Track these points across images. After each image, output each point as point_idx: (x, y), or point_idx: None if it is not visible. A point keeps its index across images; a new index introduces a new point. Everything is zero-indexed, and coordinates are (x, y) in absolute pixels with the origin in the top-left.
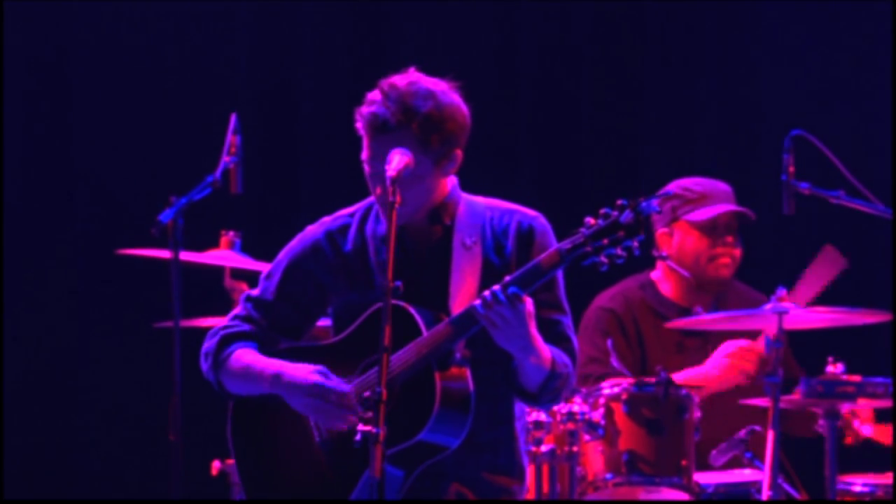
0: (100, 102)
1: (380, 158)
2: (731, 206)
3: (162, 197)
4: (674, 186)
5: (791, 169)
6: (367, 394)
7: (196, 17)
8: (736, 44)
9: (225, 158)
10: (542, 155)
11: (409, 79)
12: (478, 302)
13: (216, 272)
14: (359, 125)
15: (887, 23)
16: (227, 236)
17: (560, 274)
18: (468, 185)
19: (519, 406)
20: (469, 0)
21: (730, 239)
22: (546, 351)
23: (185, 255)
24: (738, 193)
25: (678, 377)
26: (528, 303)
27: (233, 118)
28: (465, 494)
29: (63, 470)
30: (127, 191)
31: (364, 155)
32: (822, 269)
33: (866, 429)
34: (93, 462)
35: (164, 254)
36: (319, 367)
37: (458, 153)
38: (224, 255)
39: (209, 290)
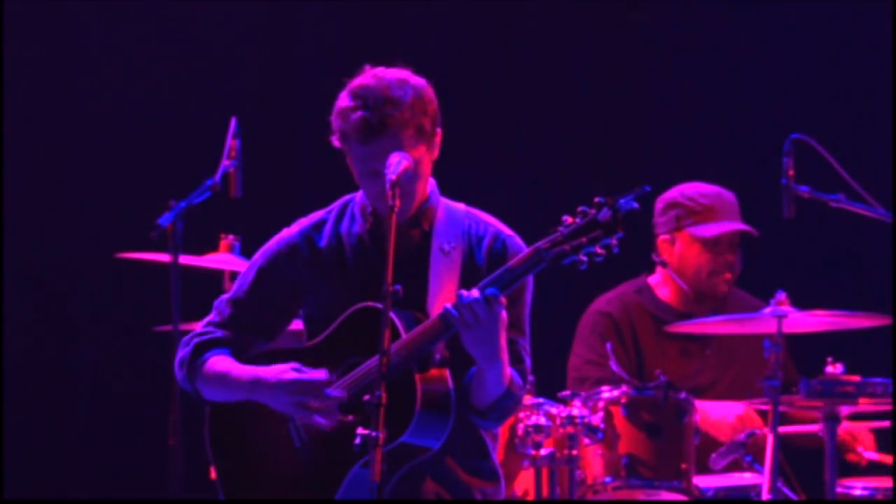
0: (99, 105)
1: (384, 157)
2: (737, 225)
3: (161, 201)
4: (678, 193)
5: (791, 172)
6: (366, 397)
7: (196, 20)
8: (735, 46)
9: (225, 162)
10: (540, 157)
11: (374, 75)
12: (449, 304)
13: (215, 276)
14: (341, 134)
15: (886, 24)
16: (227, 240)
17: (529, 294)
18: (462, 184)
19: None
20: (468, 0)
21: (730, 256)
22: (508, 368)
23: (185, 259)
24: (738, 197)
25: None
26: (503, 312)
27: (233, 122)
28: (442, 494)
29: (62, 472)
30: (126, 194)
31: (356, 159)
32: None
33: (869, 454)
34: (92, 465)
35: (164, 257)
36: (292, 364)
37: (440, 132)
38: (223, 259)
39: (208, 293)
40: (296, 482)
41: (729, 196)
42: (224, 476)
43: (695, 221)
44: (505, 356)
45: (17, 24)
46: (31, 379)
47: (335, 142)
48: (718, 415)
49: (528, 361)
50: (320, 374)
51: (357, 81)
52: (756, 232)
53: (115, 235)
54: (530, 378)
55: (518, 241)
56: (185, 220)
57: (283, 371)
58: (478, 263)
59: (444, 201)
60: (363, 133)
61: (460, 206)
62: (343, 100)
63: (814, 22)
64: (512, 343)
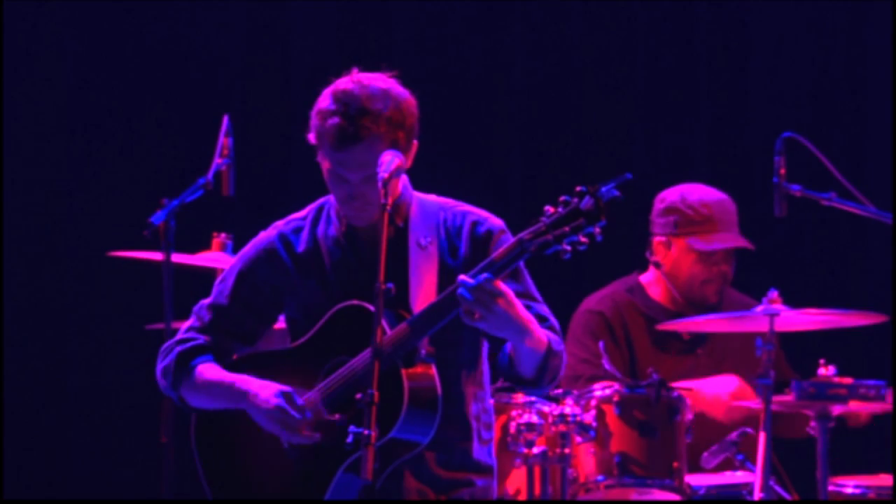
0: (92, 104)
1: (353, 167)
2: (734, 242)
3: (154, 199)
4: (678, 198)
5: (783, 171)
6: (358, 395)
7: (188, 18)
8: (728, 44)
9: (217, 160)
10: (531, 156)
11: (358, 82)
12: (462, 288)
13: (208, 274)
14: (317, 134)
15: (880, 23)
16: (219, 238)
17: (523, 265)
18: (446, 176)
19: (476, 406)
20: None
21: (724, 267)
22: (541, 332)
23: (177, 258)
24: (730, 195)
25: (678, 384)
26: (507, 288)
27: (225, 120)
28: (424, 492)
29: (55, 471)
30: (119, 192)
31: (328, 164)
32: None
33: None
34: (85, 463)
35: (156, 256)
36: (284, 389)
37: (416, 144)
38: (216, 257)
39: (201, 292)
40: (284, 484)
41: (729, 205)
42: (211, 479)
43: (692, 231)
44: (533, 325)
45: (12, 23)
46: (23, 377)
47: (310, 138)
48: (712, 392)
49: (553, 320)
50: (307, 412)
51: (341, 85)
52: (752, 246)
53: (108, 233)
54: None
55: (496, 221)
56: (177, 218)
57: (273, 394)
58: (459, 253)
59: (417, 195)
60: (337, 140)
61: (432, 198)
62: (324, 100)
63: (807, 20)
64: (527, 308)
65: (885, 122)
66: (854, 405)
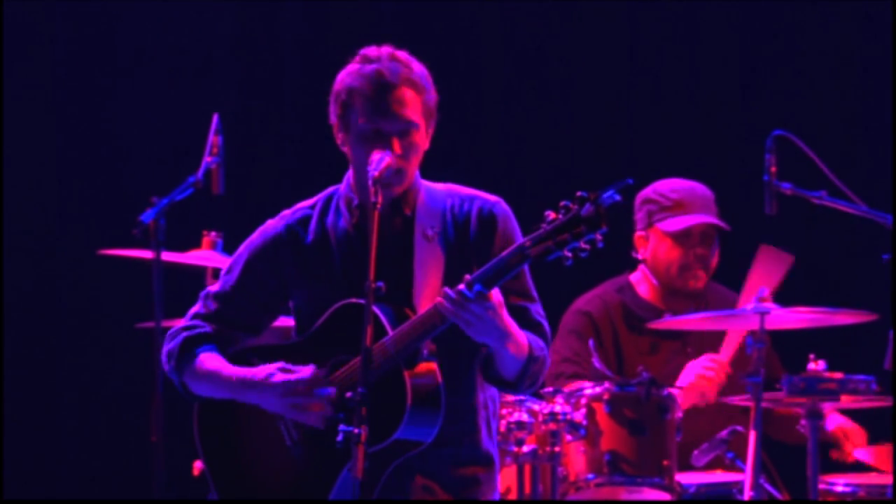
0: (83, 102)
1: (392, 117)
2: (704, 218)
3: (143, 197)
4: (650, 190)
5: (773, 169)
6: (348, 394)
7: (179, 16)
8: (719, 42)
9: (207, 159)
10: (527, 153)
11: (379, 50)
12: (444, 302)
13: (198, 272)
14: (348, 95)
15: (873, 22)
16: (209, 237)
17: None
18: (448, 177)
19: (482, 397)
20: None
21: (701, 250)
22: (522, 337)
23: (167, 256)
24: (720, 194)
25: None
26: (496, 294)
27: (215, 118)
28: (430, 487)
29: (44, 470)
30: (109, 191)
31: (357, 122)
32: (766, 269)
33: (858, 453)
34: (74, 462)
35: (146, 254)
36: (279, 364)
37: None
38: (206, 256)
39: (191, 290)
40: (288, 481)
41: (701, 190)
42: (215, 472)
43: (664, 216)
44: (514, 330)
45: (3, 21)
46: (13, 376)
47: (333, 113)
48: (688, 379)
49: (546, 325)
50: (307, 370)
51: (363, 52)
52: (727, 226)
53: (98, 232)
54: None
55: (503, 205)
56: (167, 216)
57: (271, 373)
58: (469, 240)
59: (425, 184)
60: (377, 84)
61: (441, 186)
62: (352, 65)
63: (798, 18)
64: (524, 311)
65: (876, 120)
66: (845, 399)
